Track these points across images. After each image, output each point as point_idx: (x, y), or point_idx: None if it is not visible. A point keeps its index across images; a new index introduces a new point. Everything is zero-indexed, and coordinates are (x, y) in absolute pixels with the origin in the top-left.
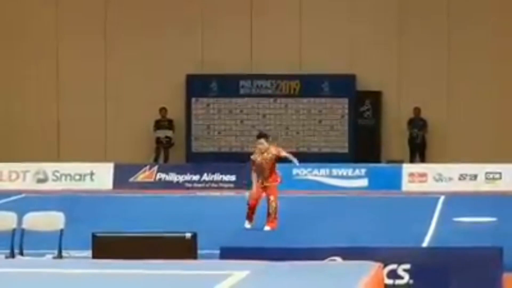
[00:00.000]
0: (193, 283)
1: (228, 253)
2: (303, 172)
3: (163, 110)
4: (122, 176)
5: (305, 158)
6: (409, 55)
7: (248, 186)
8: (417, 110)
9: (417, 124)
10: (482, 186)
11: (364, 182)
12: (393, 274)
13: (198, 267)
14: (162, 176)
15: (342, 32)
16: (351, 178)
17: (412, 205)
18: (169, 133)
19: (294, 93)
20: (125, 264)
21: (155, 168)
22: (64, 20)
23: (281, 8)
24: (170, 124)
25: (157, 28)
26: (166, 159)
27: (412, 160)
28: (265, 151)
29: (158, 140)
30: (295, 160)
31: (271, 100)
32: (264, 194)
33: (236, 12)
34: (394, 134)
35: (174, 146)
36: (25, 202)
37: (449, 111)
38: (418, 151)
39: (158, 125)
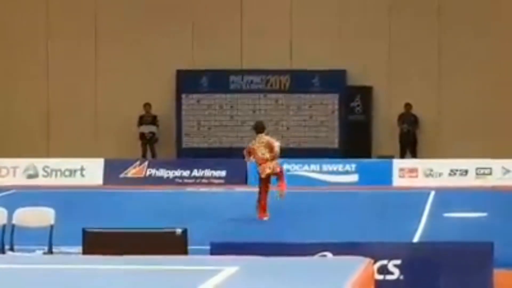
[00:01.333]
0: (184, 278)
1: (219, 248)
2: (293, 167)
3: (147, 106)
4: (112, 172)
5: (296, 153)
6: (400, 50)
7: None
8: (408, 106)
9: (408, 119)
10: (472, 181)
11: (354, 178)
12: (383, 270)
13: (188, 262)
14: (153, 171)
15: (332, 27)
16: (342, 174)
17: (402, 201)
18: (153, 128)
19: (285, 88)
20: (115, 259)
21: (146, 163)
22: (54, 16)
23: (271, 3)
24: (154, 120)
25: (148, 24)
26: (153, 155)
27: (402, 156)
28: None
29: (142, 136)
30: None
31: (262, 95)
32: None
33: (227, 8)
34: (385, 130)
35: (164, 142)
36: (15, 198)
37: (440, 106)
38: (409, 146)
39: (142, 120)
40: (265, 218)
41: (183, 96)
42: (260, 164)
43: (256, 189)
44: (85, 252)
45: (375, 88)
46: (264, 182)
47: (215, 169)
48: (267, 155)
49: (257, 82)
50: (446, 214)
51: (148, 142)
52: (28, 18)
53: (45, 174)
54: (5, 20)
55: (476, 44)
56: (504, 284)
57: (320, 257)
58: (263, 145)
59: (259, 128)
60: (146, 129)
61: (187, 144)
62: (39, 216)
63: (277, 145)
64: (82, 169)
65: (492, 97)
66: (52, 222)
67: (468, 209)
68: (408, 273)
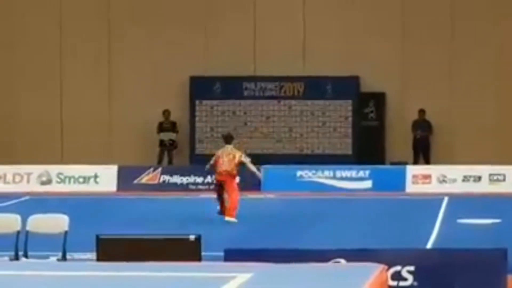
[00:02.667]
0: (198, 285)
1: (232, 255)
2: (307, 174)
3: (166, 113)
4: (126, 178)
5: (309, 160)
6: (413, 56)
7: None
8: (421, 112)
9: (422, 126)
10: (486, 187)
11: (368, 184)
12: (397, 276)
13: (202, 269)
14: (166, 178)
15: (346, 33)
16: (355, 180)
17: (416, 207)
18: (172, 135)
19: (298, 95)
20: (129, 266)
21: (159, 170)
22: (68, 21)
23: (284, 10)
24: (173, 127)
25: (161, 31)
26: (170, 162)
27: (416, 162)
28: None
29: (161, 143)
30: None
31: (275, 102)
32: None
33: (240, 14)
34: (398, 136)
35: (178, 148)
36: (29, 205)
37: (454, 112)
38: (422, 152)
39: (161, 127)
40: (232, 219)
41: (197, 102)
42: (218, 172)
43: (270, 195)
44: (99, 258)
45: (388, 94)
46: (222, 186)
47: None
48: (227, 165)
49: (271, 88)
50: (459, 220)
51: (167, 149)
52: (41, 25)
53: (59, 180)
54: (18, 25)
55: (490, 49)
56: None
57: (334, 263)
58: (227, 155)
59: (227, 139)
60: (166, 136)
61: (201, 150)
62: (53, 223)
63: (239, 155)
64: (96, 175)
65: (505, 103)
66: (66, 228)
67: (482, 215)
68: (422, 279)
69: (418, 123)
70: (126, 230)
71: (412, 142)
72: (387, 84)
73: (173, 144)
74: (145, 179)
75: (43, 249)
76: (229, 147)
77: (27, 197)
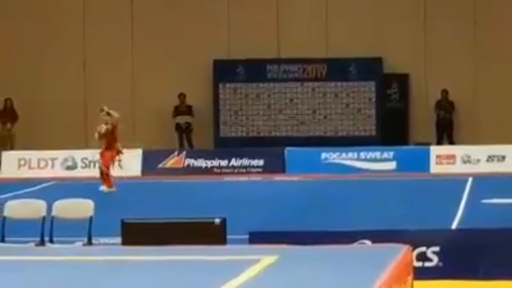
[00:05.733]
0: (223, 268)
1: (257, 238)
2: (331, 155)
3: (181, 96)
4: (150, 163)
5: (333, 141)
6: (436, 36)
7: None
8: (444, 93)
9: (445, 106)
10: (510, 167)
11: (392, 165)
12: (422, 257)
13: (227, 252)
14: (191, 162)
15: (368, 15)
16: (379, 161)
17: (440, 187)
18: (188, 118)
19: (321, 76)
20: (154, 250)
21: (184, 154)
22: (91, 4)
23: None
24: (189, 110)
25: (184, 14)
26: (190, 145)
27: (440, 142)
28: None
29: (177, 126)
30: None
31: (298, 84)
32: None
33: None
34: (422, 117)
35: (202, 132)
36: (54, 190)
37: (477, 92)
38: (446, 133)
39: (177, 111)
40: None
41: (220, 85)
42: None
43: (294, 177)
44: (124, 243)
45: (412, 75)
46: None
47: (253, 158)
48: None
49: (294, 70)
50: (484, 201)
51: (183, 132)
52: (64, 9)
53: (83, 165)
54: (41, 6)
55: None
56: None
57: (359, 245)
58: None
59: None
60: (182, 119)
61: (225, 133)
62: (78, 208)
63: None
64: (120, 160)
65: None
66: (91, 213)
67: (506, 195)
68: (447, 260)
69: (441, 104)
70: (151, 215)
71: (435, 122)
72: (410, 65)
73: (189, 127)
74: (169, 163)
75: (68, 234)
76: None
77: (52, 183)
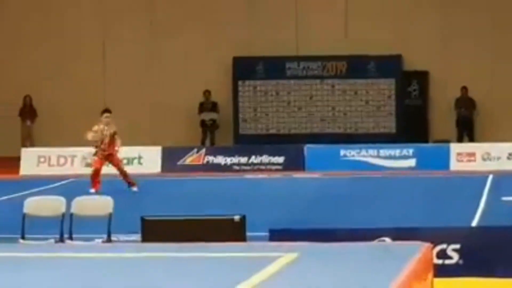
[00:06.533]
0: (243, 265)
1: (277, 235)
2: (350, 153)
3: (206, 93)
4: (170, 160)
5: (353, 139)
6: (455, 34)
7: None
8: (464, 90)
9: (465, 103)
10: None
11: (412, 162)
12: (442, 254)
13: (247, 249)
14: (210, 158)
15: (388, 12)
16: (399, 159)
17: (460, 185)
18: (213, 115)
19: (341, 74)
20: (174, 247)
21: (203, 151)
22: (110, 3)
23: None
24: (214, 107)
25: (204, 13)
26: (212, 142)
27: (460, 140)
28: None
29: (203, 123)
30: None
31: (318, 81)
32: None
33: None
34: (442, 114)
35: (222, 129)
36: (73, 187)
37: (496, 89)
38: (466, 130)
39: (202, 108)
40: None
41: (240, 83)
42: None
43: (314, 174)
44: (144, 240)
45: (431, 73)
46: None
47: (273, 155)
48: None
49: (314, 68)
50: (504, 198)
51: (209, 129)
52: (84, 8)
53: None
54: (62, 2)
55: None
56: None
57: (379, 242)
58: None
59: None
60: (207, 116)
61: (244, 130)
62: (97, 205)
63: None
64: (140, 157)
65: None
66: (110, 210)
67: None
68: (467, 257)
69: (461, 101)
70: (170, 211)
71: (455, 120)
72: (430, 62)
73: (214, 124)
74: (189, 160)
75: (88, 231)
76: None
77: (71, 179)
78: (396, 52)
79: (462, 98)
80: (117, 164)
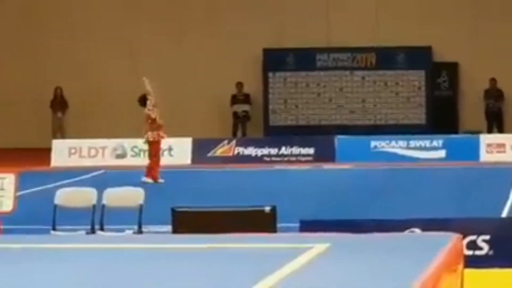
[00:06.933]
0: (274, 256)
1: (308, 226)
2: (380, 144)
3: (239, 85)
4: (200, 151)
5: (383, 130)
6: (485, 24)
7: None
8: (493, 81)
9: (493, 94)
10: None
11: (441, 153)
12: (472, 245)
13: (278, 240)
14: (241, 150)
15: (418, 3)
16: (429, 150)
17: (490, 176)
18: (246, 107)
19: (371, 65)
20: (205, 238)
21: (234, 142)
22: None
23: None
24: (246, 99)
25: (234, 3)
26: (244, 134)
27: (490, 131)
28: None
29: (235, 115)
30: None
31: (348, 73)
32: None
33: None
34: (471, 105)
35: (252, 120)
36: (104, 178)
37: None
38: (496, 121)
39: (234, 99)
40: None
41: (270, 74)
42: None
43: (344, 166)
44: (174, 231)
45: (461, 64)
46: None
47: (303, 147)
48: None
49: (343, 59)
50: None
51: (241, 121)
52: (117, 3)
53: (133, 154)
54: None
55: None
56: None
57: (409, 233)
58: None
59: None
60: (239, 108)
61: (275, 122)
62: (128, 196)
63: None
64: (170, 148)
65: None
66: (141, 201)
67: None
68: (497, 248)
69: (490, 92)
70: (201, 203)
71: (484, 111)
72: (459, 54)
73: (246, 116)
74: (219, 151)
75: (119, 222)
76: None
77: (102, 171)
78: (425, 44)
79: (491, 89)
80: (157, 152)
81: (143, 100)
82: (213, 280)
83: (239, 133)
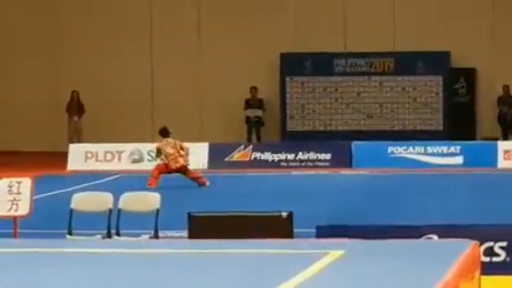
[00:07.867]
0: (290, 261)
1: (324, 231)
2: (398, 150)
3: (253, 90)
4: (217, 156)
5: (400, 135)
6: (503, 31)
7: None
8: (506, 88)
9: (506, 101)
10: None
11: (459, 160)
12: (489, 252)
13: (294, 246)
14: (257, 155)
15: (436, 8)
16: (446, 156)
17: (507, 182)
18: (259, 112)
19: (389, 70)
20: (221, 243)
21: (250, 147)
22: (158, 1)
23: None
24: (260, 103)
25: (251, 8)
26: (258, 139)
27: (504, 137)
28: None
29: (248, 120)
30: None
31: (365, 78)
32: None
33: None
34: (489, 111)
35: (269, 125)
36: (120, 183)
37: None
38: (509, 128)
39: (248, 104)
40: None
41: (287, 79)
42: (168, 158)
43: (361, 171)
44: (191, 236)
45: (479, 70)
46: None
47: (320, 152)
48: (175, 153)
49: (361, 64)
50: None
51: (254, 126)
52: (132, 5)
53: (150, 158)
54: (110, 3)
55: None
56: None
57: (426, 239)
58: (170, 146)
59: (164, 133)
60: (252, 113)
61: (292, 127)
62: (144, 201)
63: (186, 144)
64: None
65: None
66: (157, 206)
67: None
68: None
69: (503, 99)
70: (217, 208)
71: (497, 118)
72: (477, 60)
73: (259, 121)
74: (236, 156)
75: (135, 227)
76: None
77: (118, 175)
78: (443, 49)
79: (504, 96)
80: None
81: (165, 132)
82: (229, 287)
83: (254, 138)
